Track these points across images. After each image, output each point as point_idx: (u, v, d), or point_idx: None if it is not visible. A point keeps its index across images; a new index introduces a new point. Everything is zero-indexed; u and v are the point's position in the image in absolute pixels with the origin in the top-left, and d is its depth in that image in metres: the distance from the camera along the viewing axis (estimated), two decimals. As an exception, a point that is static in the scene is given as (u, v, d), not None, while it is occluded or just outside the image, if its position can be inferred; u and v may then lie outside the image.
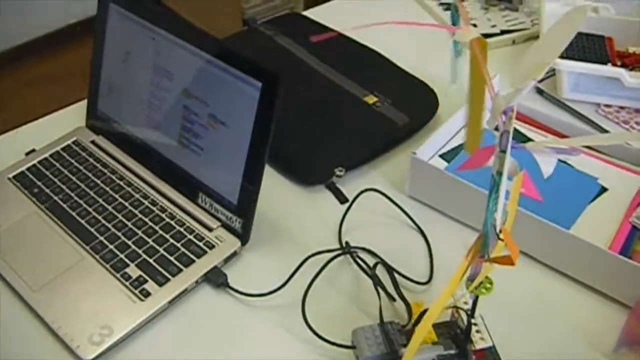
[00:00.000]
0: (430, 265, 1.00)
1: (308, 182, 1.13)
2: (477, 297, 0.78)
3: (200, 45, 1.00)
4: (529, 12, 1.58)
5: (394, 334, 0.84)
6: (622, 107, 1.27)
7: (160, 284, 0.94)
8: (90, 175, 1.12)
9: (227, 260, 0.99)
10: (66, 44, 3.45)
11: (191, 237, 1.01)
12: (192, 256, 0.98)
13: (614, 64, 1.28)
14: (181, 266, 0.96)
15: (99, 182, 1.10)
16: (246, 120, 0.95)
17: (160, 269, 0.96)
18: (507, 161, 0.60)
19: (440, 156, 1.14)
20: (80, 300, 0.93)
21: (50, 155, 1.16)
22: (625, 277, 0.91)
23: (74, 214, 1.05)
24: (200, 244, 1.00)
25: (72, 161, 1.14)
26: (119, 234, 1.01)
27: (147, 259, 0.98)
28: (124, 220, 1.04)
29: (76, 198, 1.07)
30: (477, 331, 0.84)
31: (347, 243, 1.02)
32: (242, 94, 0.95)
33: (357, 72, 1.33)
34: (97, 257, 0.98)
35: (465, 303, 0.84)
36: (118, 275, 0.96)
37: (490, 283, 0.73)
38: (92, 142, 1.18)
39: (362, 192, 1.08)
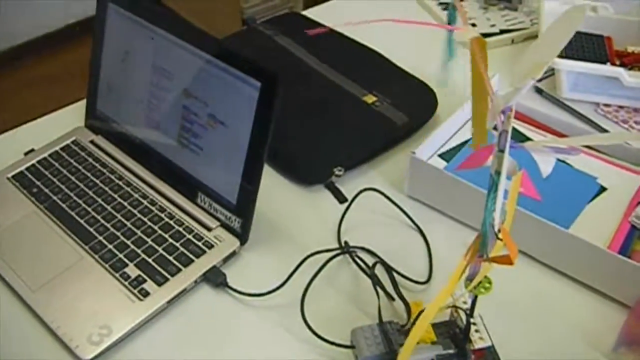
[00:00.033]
0: (429, 265, 1.00)
1: (307, 182, 1.13)
2: (476, 297, 0.78)
3: (200, 44, 1.00)
4: (528, 12, 1.58)
5: (393, 333, 0.84)
6: (621, 107, 1.27)
7: (159, 284, 0.94)
8: (89, 175, 1.11)
9: (226, 260, 0.99)
10: (65, 44, 3.44)
11: (190, 236, 1.01)
12: (191, 256, 0.98)
13: (613, 64, 1.28)
14: (180, 266, 0.96)
15: (98, 181, 1.10)
16: (245, 120, 0.95)
17: (159, 268, 0.96)
18: (505, 161, 0.60)
19: (440, 156, 1.14)
20: (79, 300, 0.93)
21: (50, 155, 1.16)
22: (625, 276, 0.91)
23: (73, 213, 1.05)
24: (199, 243, 1.00)
25: (71, 161, 1.14)
26: (118, 233, 1.01)
27: (146, 258, 0.98)
28: (123, 219, 1.04)
29: (75, 198, 1.07)
30: (476, 331, 0.84)
31: (346, 243, 1.02)
32: (241, 93, 0.95)
33: (357, 72, 1.33)
34: (96, 256, 0.98)
35: (464, 303, 0.83)
36: (117, 274, 0.96)
37: (489, 282, 0.73)
38: (91, 141, 1.18)
39: (361, 191, 1.08)
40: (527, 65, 0.61)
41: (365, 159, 1.17)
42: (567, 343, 0.90)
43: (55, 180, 1.11)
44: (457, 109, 1.15)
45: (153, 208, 1.05)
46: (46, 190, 1.09)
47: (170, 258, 0.97)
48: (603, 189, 1.08)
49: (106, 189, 1.09)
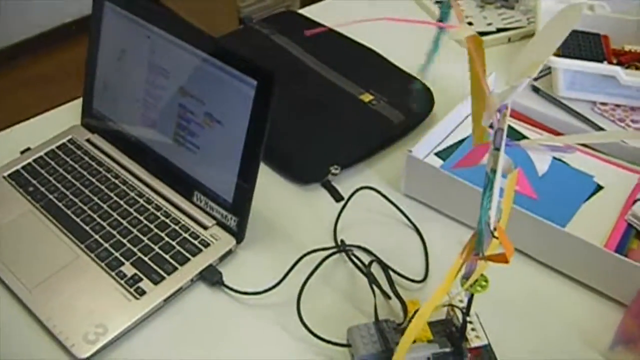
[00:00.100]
0: (425, 264, 1.00)
1: (303, 180, 1.13)
2: (472, 295, 0.78)
3: (196, 43, 1.00)
4: (525, 10, 1.57)
5: (389, 332, 0.84)
6: (618, 105, 1.27)
7: (156, 283, 0.94)
8: (85, 173, 1.11)
9: (222, 258, 0.99)
10: (61, 43, 3.44)
11: (186, 235, 1.00)
12: (187, 254, 0.98)
13: (610, 62, 1.28)
14: (176, 264, 0.96)
15: (94, 180, 1.10)
16: (241, 119, 0.95)
17: (155, 267, 0.96)
18: (501, 159, 0.60)
19: (436, 154, 1.14)
20: (75, 299, 0.93)
21: (46, 154, 1.15)
22: (621, 275, 0.91)
23: (69, 212, 1.05)
24: (196, 242, 0.99)
25: (67, 159, 1.14)
26: (114, 232, 1.01)
27: (142, 257, 0.97)
28: (119, 218, 1.03)
29: (71, 196, 1.07)
30: (473, 329, 0.84)
31: (342, 241, 1.02)
32: (238, 92, 0.95)
33: (353, 71, 1.32)
34: (92, 255, 0.98)
35: (461, 301, 0.83)
36: (113, 273, 0.96)
37: (486, 281, 0.73)
38: (88, 140, 1.18)
39: (357, 190, 1.08)
40: (523, 64, 0.61)
41: (361, 158, 1.17)
42: (563, 341, 0.90)
43: (51, 179, 1.10)
44: (454, 108, 1.15)
45: (149, 207, 1.05)
46: (42, 189, 1.09)
47: (167, 257, 0.97)
48: (599, 188, 1.08)
49: (102, 187, 1.09)
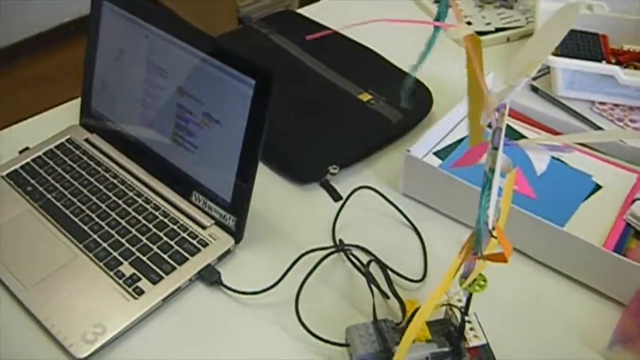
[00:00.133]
0: (424, 263, 1.00)
1: (302, 180, 1.13)
2: (470, 295, 0.78)
3: (194, 43, 1.00)
4: (523, 10, 1.58)
5: (387, 331, 0.84)
6: (616, 105, 1.26)
7: (154, 282, 0.94)
8: (83, 173, 1.11)
9: (221, 258, 0.99)
10: (60, 43, 3.44)
11: (185, 235, 1.00)
12: (185, 254, 0.98)
13: (609, 62, 1.28)
14: (175, 264, 0.96)
15: (92, 180, 1.10)
16: (240, 118, 0.95)
17: (153, 267, 0.96)
18: (499, 158, 0.60)
19: (435, 154, 1.14)
20: (73, 299, 0.92)
21: (44, 154, 1.15)
22: (620, 274, 0.91)
23: (67, 212, 1.05)
24: (194, 241, 0.99)
25: (66, 159, 1.14)
26: (113, 232, 1.01)
27: (141, 257, 0.97)
28: (117, 218, 1.03)
29: (70, 196, 1.07)
30: (471, 329, 0.84)
31: (340, 241, 1.02)
32: (236, 92, 0.95)
33: (352, 70, 1.33)
34: (91, 255, 0.98)
35: (459, 300, 0.83)
36: (111, 273, 0.95)
37: (484, 280, 0.73)
38: (86, 140, 1.18)
39: (356, 189, 1.08)
40: (522, 63, 0.61)
41: (360, 157, 1.17)
42: (562, 341, 0.90)
43: (49, 178, 1.10)
44: (453, 107, 1.15)
45: (148, 206, 1.05)
46: (41, 189, 1.09)
47: (165, 256, 0.97)
48: (598, 187, 1.08)
49: (101, 187, 1.09)
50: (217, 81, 0.97)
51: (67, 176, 1.11)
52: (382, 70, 1.34)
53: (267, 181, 1.13)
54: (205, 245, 0.99)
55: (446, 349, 0.81)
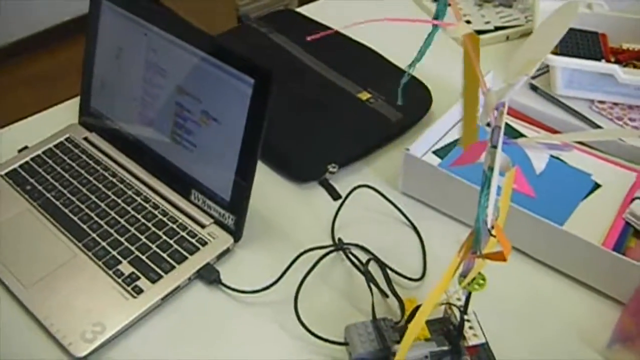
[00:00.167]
0: (423, 262, 1.00)
1: (301, 179, 1.13)
2: (469, 294, 0.78)
3: (193, 41, 1.00)
4: (523, 9, 1.57)
5: (386, 330, 0.84)
6: (615, 104, 1.26)
7: (153, 281, 0.94)
8: (83, 172, 1.11)
9: (220, 257, 0.99)
10: (60, 42, 3.44)
11: (184, 233, 1.00)
12: (184, 253, 0.98)
13: (608, 61, 1.28)
14: (174, 263, 0.96)
15: (91, 179, 1.10)
16: (239, 117, 0.95)
17: (152, 265, 0.96)
18: (498, 157, 0.60)
19: (434, 152, 1.14)
20: (72, 297, 0.92)
21: (43, 153, 1.15)
22: (619, 273, 0.91)
23: (66, 211, 1.05)
24: (193, 240, 0.99)
25: (65, 158, 1.14)
26: (112, 230, 1.01)
27: (140, 255, 0.97)
28: (116, 217, 1.03)
29: (69, 195, 1.07)
30: (470, 327, 0.84)
31: (339, 239, 1.02)
32: (235, 90, 0.95)
33: (351, 69, 1.32)
34: (90, 254, 0.98)
35: (458, 299, 0.83)
36: (110, 272, 0.95)
37: (483, 279, 0.73)
38: (85, 139, 1.18)
39: (355, 188, 1.08)
40: (521, 62, 0.61)
41: (359, 156, 1.17)
42: (561, 340, 0.90)
43: (48, 177, 1.10)
44: (452, 106, 1.15)
45: (147, 205, 1.05)
46: (40, 188, 1.09)
47: (164, 255, 0.97)
48: (597, 186, 1.08)
49: (100, 186, 1.09)
50: (216, 80, 0.97)
51: (66, 175, 1.11)
52: (381, 69, 1.34)
53: (266, 180, 1.13)
54: (204, 244, 0.99)
55: (445, 348, 0.81)
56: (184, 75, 1.02)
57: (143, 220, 1.02)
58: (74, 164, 1.12)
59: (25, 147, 1.17)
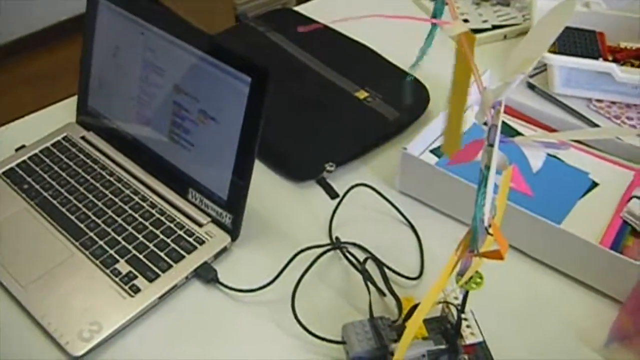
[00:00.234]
0: (420, 261, 1.00)
1: (298, 178, 1.13)
2: (467, 292, 0.78)
3: (190, 40, 1.00)
4: (520, 7, 1.57)
5: (384, 329, 0.84)
6: (613, 102, 1.27)
7: (150, 280, 0.94)
8: (80, 171, 1.11)
9: (217, 255, 0.99)
10: (59, 41, 3.44)
11: (181, 232, 1.00)
12: (182, 252, 0.98)
13: (606, 59, 1.28)
14: (171, 262, 0.96)
15: (89, 178, 1.10)
16: (236, 116, 0.95)
17: (150, 264, 0.96)
18: (494, 155, 0.60)
19: (431, 151, 1.14)
20: (69, 296, 0.92)
21: (40, 151, 1.15)
22: (616, 272, 0.91)
23: (64, 210, 1.04)
24: (190, 239, 0.99)
25: (62, 157, 1.14)
26: (109, 229, 1.01)
27: (137, 254, 0.97)
28: (114, 216, 1.03)
29: (66, 194, 1.07)
30: (468, 326, 0.84)
31: (337, 238, 1.02)
32: (232, 89, 0.95)
33: (349, 68, 1.32)
34: (87, 253, 0.98)
35: (456, 298, 0.83)
36: (108, 271, 0.95)
37: (481, 278, 0.73)
38: (82, 138, 1.18)
39: (352, 187, 1.07)
40: (517, 61, 0.61)
41: (356, 155, 1.17)
42: (558, 338, 0.90)
43: (46, 176, 1.10)
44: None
45: (144, 204, 1.05)
46: (37, 187, 1.08)
47: (161, 254, 0.97)
48: (595, 185, 1.08)
49: (97, 185, 1.08)
50: (214, 78, 0.97)
51: (64, 174, 1.10)
52: (379, 67, 1.34)
53: (263, 179, 1.13)
54: (202, 243, 0.99)
55: (443, 347, 0.81)
56: (182, 74, 1.01)
57: (140, 219, 1.02)
58: (71, 163, 1.12)
59: (23, 146, 1.17)
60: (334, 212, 1.06)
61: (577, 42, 1.30)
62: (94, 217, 1.03)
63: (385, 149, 1.19)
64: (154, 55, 1.05)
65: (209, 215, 1.02)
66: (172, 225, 1.01)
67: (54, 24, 3.52)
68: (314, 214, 1.07)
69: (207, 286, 0.96)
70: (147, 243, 0.99)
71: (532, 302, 0.94)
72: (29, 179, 1.10)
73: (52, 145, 1.16)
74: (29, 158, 1.14)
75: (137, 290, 0.93)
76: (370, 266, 0.97)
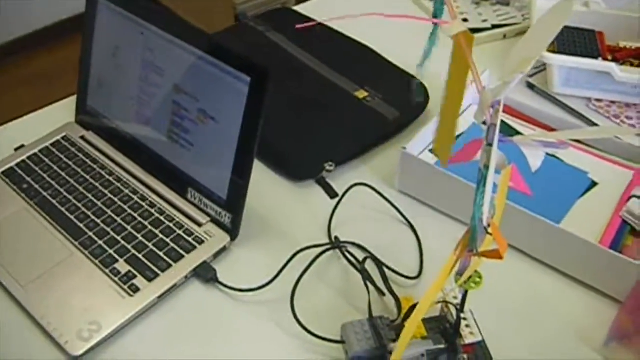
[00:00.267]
0: (420, 260, 1.00)
1: (298, 177, 1.13)
2: (466, 292, 0.78)
3: (190, 40, 1.00)
4: (520, 7, 1.57)
5: (383, 328, 0.84)
6: (613, 102, 1.27)
7: (150, 280, 0.94)
8: (79, 170, 1.11)
9: (217, 255, 0.99)
10: (58, 41, 3.44)
11: (180, 232, 1.00)
12: (181, 251, 0.98)
13: (605, 59, 1.28)
14: (170, 261, 0.96)
15: (88, 177, 1.10)
16: (235, 115, 0.95)
17: (149, 264, 0.96)
18: (493, 154, 0.60)
19: (431, 151, 1.14)
20: (69, 296, 0.92)
21: (40, 151, 1.15)
22: (616, 271, 0.91)
23: (63, 209, 1.04)
24: (190, 239, 0.99)
25: (62, 157, 1.14)
26: (108, 229, 1.01)
27: (137, 254, 0.97)
28: (113, 215, 1.03)
29: (65, 194, 1.07)
30: (467, 326, 0.84)
31: (336, 238, 1.02)
32: (232, 88, 0.95)
33: (348, 67, 1.32)
34: (87, 252, 0.98)
35: (455, 297, 0.83)
36: (107, 270, 0.95)
37: (480, 277, 0.73)
38: (82, 137, 1.18)
39: (352, 186, 1.07)
40: (516, 60, 0.61)
41: (356, 154, 1.16)
42: (558, 338, 0.90)
43: (45, 176, 1.10)
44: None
45: (143, 204, 1.05)
46: (36, 186, 1.08)
47: (161, 254, 0.97)
48: (594, 184, 1.08)
49: (96, 184, 1.08)
50: (213, 78, 0.97)
51: (63, 174, 1.10)
52: (379, 67, 1.34)
53: (262, 178, 1.13)
54: (201, 242, 0.99)
55: (442, 346, 0.81)
56: (181, 74, 1.01)
57: (139, 219, 1.02)
58: (70, 163, 1.12)
59: (22, 146, 1.17)
60: (334, 211, 1.06)
61: (576, 41, 1.30)
62: (93, 217, 1.03)
63: (385, 148, 1.19)
64: (154, 55, 1.05)
65: (208, 214, 1.02)
66: (171, 224, 1.01)
67: (54, 24, 3.51)
68: (314, 214, 1.07)
69: (206, 286, 0.96)
70: (147, 242, 0.99)
71: (532, 302, 0.94)
72: (28, 179, 1.10)
73: (52, 145, 1.16)
74: (29, 158, 1.14)
75: (136, 289, 0.93)
76: (370, 266, 0.97)
